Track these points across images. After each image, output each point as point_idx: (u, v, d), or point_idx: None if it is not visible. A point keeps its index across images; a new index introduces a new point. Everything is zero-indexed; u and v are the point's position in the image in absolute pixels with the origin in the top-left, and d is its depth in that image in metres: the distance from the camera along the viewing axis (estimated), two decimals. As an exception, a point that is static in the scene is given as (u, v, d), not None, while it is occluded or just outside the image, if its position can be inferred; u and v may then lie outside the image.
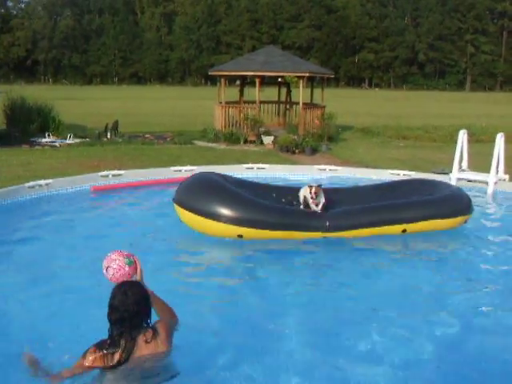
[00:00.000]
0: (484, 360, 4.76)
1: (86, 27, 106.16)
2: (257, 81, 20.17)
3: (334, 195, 8.95)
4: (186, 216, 8.04)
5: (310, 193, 7.92)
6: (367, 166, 14.81)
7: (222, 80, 21.18)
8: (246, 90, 23.61)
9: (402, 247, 8.12)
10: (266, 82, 24.43)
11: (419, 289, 6.40)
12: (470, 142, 13.04)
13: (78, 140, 19.07)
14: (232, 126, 20.40)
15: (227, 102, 21.10)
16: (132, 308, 3.68)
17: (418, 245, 8.19)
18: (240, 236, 7.68)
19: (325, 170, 13.60)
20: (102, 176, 11.81)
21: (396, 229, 8.22)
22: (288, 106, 23.31)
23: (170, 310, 4.14)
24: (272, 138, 19.27)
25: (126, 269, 3.93)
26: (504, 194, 11.71)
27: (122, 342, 3.66)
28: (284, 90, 23.74)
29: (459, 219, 8.60)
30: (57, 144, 18.25)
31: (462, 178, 12.30)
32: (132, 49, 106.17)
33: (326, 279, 6.77)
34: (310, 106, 21.51)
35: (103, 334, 3.78)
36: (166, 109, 38.10)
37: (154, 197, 10.99)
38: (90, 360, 3.66)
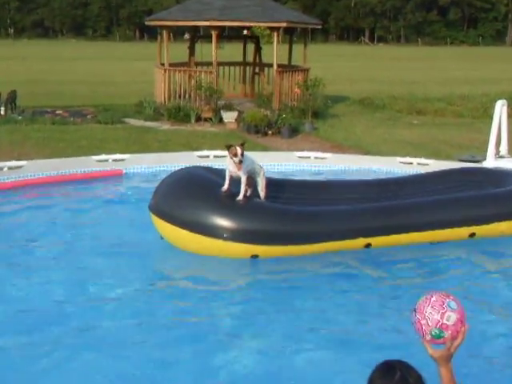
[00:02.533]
0: None
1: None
2: (213, 34, 20.17)
3: (347, 189, 9.55)
4: (171, 231, 8.07)
5: (236, 155, 7.78)
6: (368, 153, 14.97)
7: (165, 33, 21.12)
8: (199, 46, 23.59)
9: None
10: (227, 35, 24.48)
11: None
12: (511, 117, 13.26)
13: (-42, 119, 18.85)
14: (179, 97, 20.39)
15: (172, 65, 21.07)
16: None
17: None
18: (255, 256, 7.82)
19: (308, 158, 13.69)
20: (-7, 169, 11.74)
21: (462, 232, 8.59)
22: (257, 70, 23.35)
23: None
24: (235, 114, 19.30)
25: (428, 337, 3.83)
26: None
27: None
28: (251, 47, 23.79)
29: None
30: None
31: (501, 168, 12.50)
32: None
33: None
34: (287, 68, 21.61)
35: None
36: (86, 74, 37.76)
37: (69, 199, 10.94)
38: None
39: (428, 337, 3.65)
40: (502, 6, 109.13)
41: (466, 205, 8.85)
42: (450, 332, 3.60)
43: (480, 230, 8.67)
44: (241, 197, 7.86)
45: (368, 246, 8.22)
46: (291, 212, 8.25)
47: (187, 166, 9.57)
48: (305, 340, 6.15)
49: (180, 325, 6.44)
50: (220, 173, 8.47)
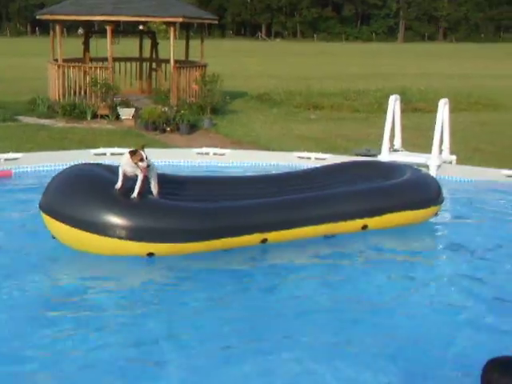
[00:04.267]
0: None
1: None
2: (108, 29, 19.93)
3: (239, 185, 9.47)
4: (62, 230, 7.77)
5: (143, 160, 7.58)
6: (267, 148, 15.10)
7: (58, 27, 20.74)
8: (93, 42, 23.30)
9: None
10: (122, 30, 24.22)
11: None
12: (404, 111, 13.60)
13: None
14: (74, 94, 20.07)
15: (66, 60, 20.73)
16: None
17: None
18: (151, 254, 7.69)
19: (207, 154, 13.68)
20: None
21: (355, 225, 8.73)
22: (154, 66, 23.23)
23: None
24: (132, 110, 19.14)
25: None
26: (450, 181, 12.21)
27: None
28: (148, 43, 23.64)
29: (431, 210, 9.31)
30: None
31: (395, 161, 12.78)
32: None
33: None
34: (185, 64, 21.57)
35: None
36: (-25, 70, 36.80)
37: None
38: None
39: None
40: (394, 3, 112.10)
41: (358, 198, 8.98)
42: None
43: (372, 222, 8.84)
44: (135, 194, 7.70)
45: (264, 241, 8.20)
46: (186, 209, 8.14)
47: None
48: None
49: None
50: (113, 170, 8.22)
